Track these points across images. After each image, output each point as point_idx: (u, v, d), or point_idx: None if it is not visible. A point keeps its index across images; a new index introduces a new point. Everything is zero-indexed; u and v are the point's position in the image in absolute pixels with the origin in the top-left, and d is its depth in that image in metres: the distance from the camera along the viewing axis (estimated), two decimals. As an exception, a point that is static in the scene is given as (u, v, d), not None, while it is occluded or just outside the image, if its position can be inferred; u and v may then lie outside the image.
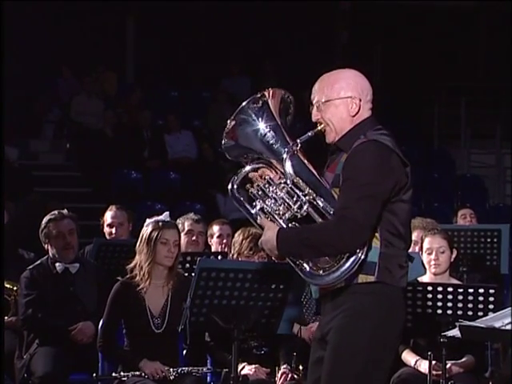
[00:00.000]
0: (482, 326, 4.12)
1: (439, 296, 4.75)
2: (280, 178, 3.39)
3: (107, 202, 7.11)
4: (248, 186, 3.44)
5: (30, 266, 5.31)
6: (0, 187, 5.78)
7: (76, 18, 12.01)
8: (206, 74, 12.58)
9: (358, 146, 3.30)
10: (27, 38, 11.58)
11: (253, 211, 3.38)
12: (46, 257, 5.35)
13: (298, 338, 5.23)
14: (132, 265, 4.80)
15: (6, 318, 5.55)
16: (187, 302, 4.42)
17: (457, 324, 4.34)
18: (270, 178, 3.40)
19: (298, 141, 3.37)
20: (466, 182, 12.13)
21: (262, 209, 3.37)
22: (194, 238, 5.88)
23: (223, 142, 3.45)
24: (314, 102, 3.43)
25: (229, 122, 3.44)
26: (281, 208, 3.35)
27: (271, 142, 3.39)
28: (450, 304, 4.73)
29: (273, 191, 3.37)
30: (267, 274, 4.37)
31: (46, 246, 5.34)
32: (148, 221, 4.84)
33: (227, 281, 4.38)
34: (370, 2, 13.22)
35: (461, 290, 4.74)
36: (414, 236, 5.65)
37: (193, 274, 4.60)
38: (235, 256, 5.09)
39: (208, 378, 5.10)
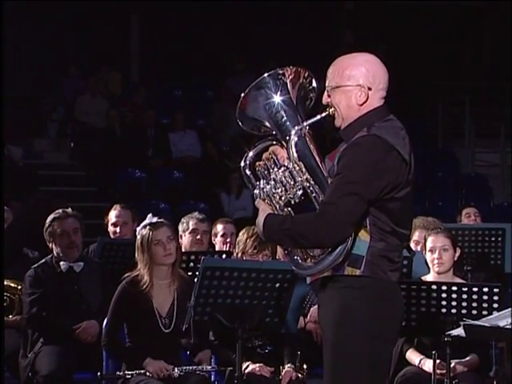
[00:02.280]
0: (486, 324, 4.12)
1: (443, 295, 4.75)
2: (285, 157, 3.37)
3: (111, 201, 7.12)
4: (257, 163, 3.43)
5: (35, 265, 5.31)
6: (0, 187, 5.79)
7: (81, 18, 12.02)
8: (210, 74, 12.58)
9: (356, 139, 3.28)
10: (32, 37, 11.60)
11: (255, 191, 3.39)
12: (50, 255, 5.35)
13: (304, 331, 5.24)
14: (135, 273, 4.81)
15: (10, 316, 5.56)
16: (191, 301, 4.42)
17: (461, 323, 4.34)
18: (277, 159, 3.39)
19: (305, 123, 3.35)
20: (470, 180, 12.12)
21: (263, 189, 3.38)
22: (198, 236, 5.88)
23: (236, 111, 3.42)
24: (326, 84, 3.40)
25: (245, 92, 3.40)
26: (279, 191, 3.35)
27: (281, 120, 3.37)
28: (454, 303, 4.73)
29: (275, 173, 3.37)
30: (271, 273, 4.38)
31: (50, 244, 5.34)
32: (137, 230, 4.90)
33: (231, 280, 4.38)
34: (374, 1, 13.22)
35: (465, 289, 4.74)
36: (416, 236, 5.65)
37: (197, 273, 4.61)
38: (239, 255, 5.09)
39: (212, 376, 5.10)
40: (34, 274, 5.25)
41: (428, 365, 4.93)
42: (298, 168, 3.33)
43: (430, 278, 5.16)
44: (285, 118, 3.37)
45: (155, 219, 4.87)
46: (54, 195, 9.06)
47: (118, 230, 6.14)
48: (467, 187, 11.77)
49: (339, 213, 3.19)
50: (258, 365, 4.95)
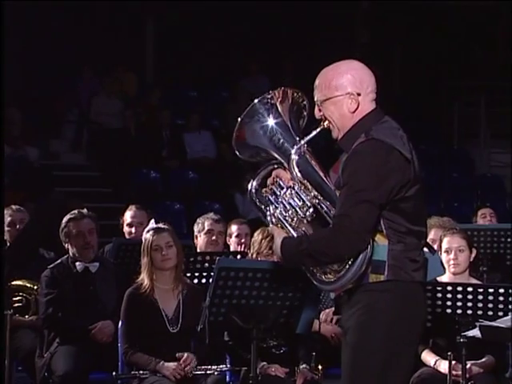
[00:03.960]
0: (502, 325, 4.10)
1: (459, 296, 4.73)
2: (290, 179, 3.37)
3: (127, 202, 7.14)
4: (264, 189, 3.43)
5: (51, 265, 5.34)
6: (0, 187, 5.81)
7: (96, 19, 12.05)
8: (225, 74, 12.59)
9: (356, 146, 3.26)
10: (47, 38, 11.63)
11: (268, 218, 3.38)
12: (66, 256, 5.37)
13: (318, 334, 5.23)
14: (140, 277, 4.89)
15: (26, 316, 5.58)
16: (206, 302, 4.43)
17: (477, 324, 4.33)
18: (281, 181, 3.38)
19: (303, 141, 3.34)
20: (486, 181, 12.07)
21: (273, 214, 3.36)
22: (213, 237, 5.89)
23: (233, 141, 3.46)
24: (315, 99, 3.39)
25: (239, 120, 3.44)
26: (289, 213, 3.34)
27: (279, 142, 3.37)
28: (469, 304, 4.71)
29: (283, 196, 3.36)
30: (286, 274, 4.37)
31: (66, 245, 5.37)
32: (143, 234, 4.99)
33: (246, 280, 4.38)
34: (390, 1, 13.18)
35: (481, 290, 4.72)
36: (431, 235, 5.63)
37: (212, 274, 4.62)
38: (254, 255, 5.09)
39: (227, 377, 5.11)
40: (50, 274, 5.27)
41: (443, 366, 4.92)
42: (303, 187, 3.32)
43: (445, 278, 5.14)
44: (282, 139, 3.36)
45: (158, 225, 4.94)
46: (70, 196, 9.10)
47: (133, 230, 6.16)
48: (482, 188, 11.73)
49: (354, 223, 3.18)
50: (272, 365, 4.95)
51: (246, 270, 4.40)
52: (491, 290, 4.70)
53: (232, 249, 5.99)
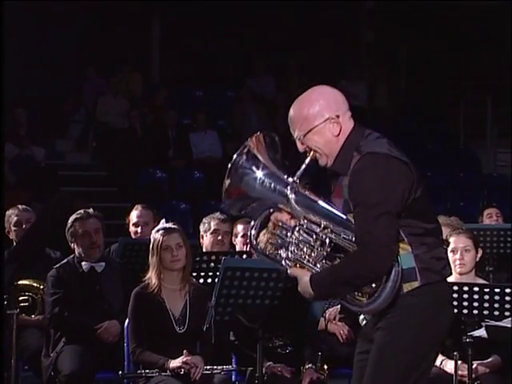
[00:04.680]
0: (508, 325, 4.10)
1: (465, 296, 4.72)
2: (292, 219, 3.33)
3: (132, 202, 7.15)
4: (267, 237, 3.38)
5: (57, 265, 5.34)
6: (0, 187, 5.83)
7: (102, 19, 12.07)
8: (231, 74, 12.60)
9: (355, 166, 3.24)
10: (53, 39, 11.66)
11: (282, 263, 3.31)
12: (72, 256, 5.38)
13: (324, 333, 5.23)
14: (147, 276, 4.89)
15: (32, 316, 5.59)
16: (212, 301, 4.44)
17: (483, 324, 4.33)
18: (284, 223, 3.34)
19: (294, 178, 3.31)
20: (492, 181, 12.05)
21: (287, 257, 3.31)
22: (219, 237, 5.89)
23: (225, 201, 3.39)
24: (294, 136, 3.34)
25: (226, 180, 3.37)
26: (304, 250, 3.29)
27: (272, 185, 3.32)
28: (475, 304, 4.70)
29: (290, 236, 3.31)
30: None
31: (72, 244, 5.37)
32: (152, 233, 4.98)
33: (252, 280, 4.39)
34: (394, 1, 13.17)
35: (487, 290, 4.72)
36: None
37: (218, 274, 4.63)
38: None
39: (233, 376, 5.11)
40: (56, 274, 5.28)
41: (449, 366, 4.91)
42: (310, 221, 3.28)
43: (451, 278, 5.11)
44: (273, 183, 3.32)
45: (168, 224, 4.93)
46: (76, 196, 9.11)
47: (139, 230, 6.17)
48: (489, 187, 11.71)
49: (378, 238, 3.17)
50: (278, 365, 4.95)
51: (251, 269, 4.41)
52: (497, 290, 4.70)
53: (238, 249, 5.98)
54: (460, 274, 5.12)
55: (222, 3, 12.44)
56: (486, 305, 4.69)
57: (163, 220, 5.04)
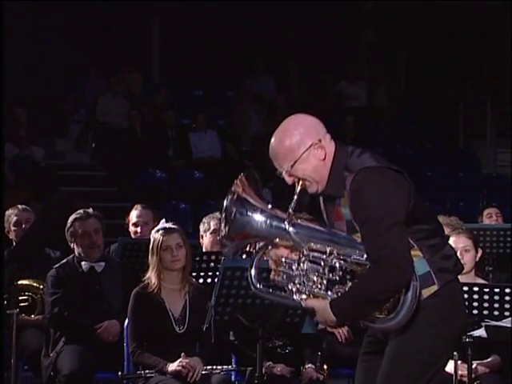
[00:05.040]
0: (508, 325, 4.10)
1: (465, 296, 4.72)
2: (291, 252, 3.30)
3: (132, 201, 7.15)
4: (271, 277, 3.31)
5: (57, 265, 5.35)
6: (0, 187, 5.84)
7: (102, 19, 12.07)
8: (231, 74, 12.60)
9: (352, 185, 3.21)
10: (53, 39, 11.66)
11: (294, 297, 3.26)
12: (71, 255, 5.38)
13: (325, 333, 5.23)
14: (147, 276, 4.89)
15: (32, 316, 5.59)
16: (212, 301, 4.44)
17: (483, 324, 4.32)
18: (286, 258, 3.30)
19: (290, 210, 3.25)
20: (492, 181, 12.05)
21: (298, 291, 3.26)
22: (219, 237, 5.88)
23: (226, 245, 3.34)
24: (280, 171, 3.31)
25: (223, 228, 3.32)
26: (315, 280, 3.24)
27: (269, 223, 3.27)
28: (475, 304, 4.70)
29: (296, 269, 3.26)
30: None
31: (71, 244, 5.37)
32: (152, 233, 4.98)
33: (252, 280, 4.37)
34: (395, 1, 13.17)
35: (487, 290, 4.71)
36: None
37: (217, 273, 4.63)
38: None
39: (233, 376, 5.11)
40: (55, 273, 5.28)
41: (449, 366, 4.90)
42: (314, 248, 3.25)
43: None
44: (269, 220, 3.28)
45: (168, 225, 4.93)
46: (76, 195, 9.11)
47: (138, 230, 6.17)
48: (488, 187, 11.71)
49: (395, 250, 3.16)
50: (278, 365, 4.95)
51: (251, 269, 4.40)
52: (497, 290, 4.70)
53: (238, 248, 5.98)
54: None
55: (222, 3, 12.44)
56: (486, 305, 4.69)
57: (163, 220, 5.04)
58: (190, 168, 11.01)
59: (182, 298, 4.89)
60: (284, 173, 3.31)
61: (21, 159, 10.31)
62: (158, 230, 4.94)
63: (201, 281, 5.18)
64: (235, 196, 3.32)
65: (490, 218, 7.28)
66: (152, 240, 4.94)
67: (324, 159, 3.29)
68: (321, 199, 3.37)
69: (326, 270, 3.24)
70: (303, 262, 3.26)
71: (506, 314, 4.61)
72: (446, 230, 5.46)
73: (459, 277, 5.08)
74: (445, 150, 12.53)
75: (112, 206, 9.54)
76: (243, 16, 12.68)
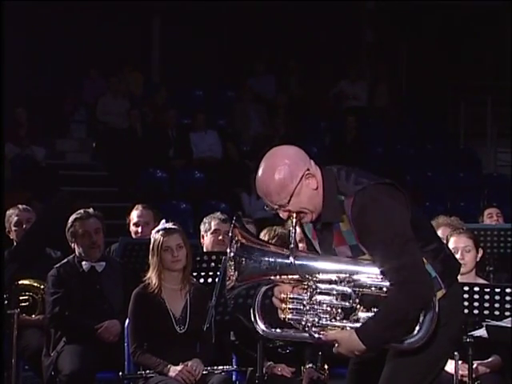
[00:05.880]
0: (508, 325, 4.10)
1: (465, 296, 4.72)
2: (295, 288, 3.23)
3: (133, 201, 7.15)
4: (281, 316, 3.24)
5: (57, 265, 5.35)
6: (0, 187, 5.84)
7: (102, 19, 12.07)
8: (231, 74, 12.60)
9: (353, 209, 3.17)
10: (53, 39, 11.66)
11: (310, 333, 3.20)
12: (72, 255, 5.39)
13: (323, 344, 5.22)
14: (147, 276, 4.89)
15: (33, 316, 5.60)
16: (212, 301, 4.44)
17: (483, 324, 4.32)
18: (294, 294, 3.23)
19: (292, 246, 3.21)
20: (492, 181, 12.05)
21: (314, 325, 3.19)
22: (220, 237, 5.89)
23: (235, 291, 3.28)
24: (275, 207, 3.25)
25: (233, 273, 3.23)
26: (330, 312, 3.19)
27: (273, 262, 3.23)
28: (476, 304, 4.70)
29: (308, 305, 3.21)
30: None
31: (72, 244, 5.38)
32: (152, 233, 4.97)
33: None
34: (395, 1, 13.17)
35: (487, 290, 4.72)
36: (439, 233, 5.61)
37: (218, 273, 4.62)
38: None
39: (233, 376, 5.11)
40: (56, 273, 5.28)
41: (450, 366, 4.90)
42: (322, 282, 3.21)
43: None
44: (273, 259, 3.24)
45: (169, 225, 4.93)
46: (76, 195, 9.11)
47: (139, 229, 6.17)
48: (489, 187, 11.70)
49: (415, 268, 3.14)
50: (279, 365, 4.95)
51: (252, 269, 4.39)
52: (498, 290, 4.70)
53: (238, 248, 5.98)
54: (460, 274, 5.08)
55: (222, 3, 12.44)
56: (487, 305, 4.69)
57: (163, 220, 5.04)
58: (190, 168, 11.00)
59: (182, 298, 4.90)
60: (279, 209, 3.24)
61: (21, 159, 10.32)
62: (158, 231, 4.94)
63: (201, 281, 5.18)
64: (239, 244, 3.25)
65: (491, 218, 7.28)
66: (152, 240, 4.94)
67: (316, 188, 3.24)
68: (307, 228, 3.31)
69: (340, 299, 3.19)
70: (313, 294, 3.20)
71: (507, 314, 4.61)
72: (447, 231, 5.49)
73: (460, 277, 5.13)
74: (445, 149, 12.52)
75: (112, 205, 9.54)
76: (243, 16, 12.68)
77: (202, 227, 5.93)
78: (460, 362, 4.79)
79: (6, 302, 5.24)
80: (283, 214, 3.27)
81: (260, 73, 12.63)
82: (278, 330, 3.26)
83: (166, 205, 9.94)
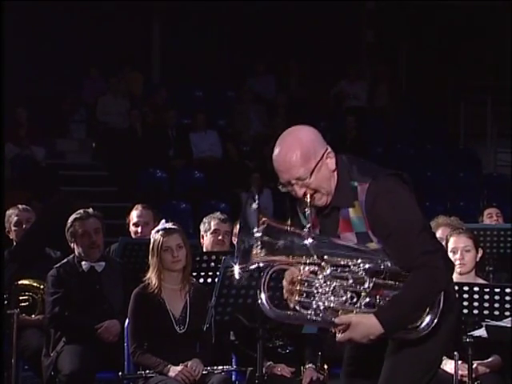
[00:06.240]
0: (508, 325, 4.10)
1: (465, 296, 4.72)
2: (304, 271, 3.18)
3: (133, 201, 7.15)
4: (290, 299, 3.19)
5: (57, 265, 5.34)
6: (0, 187, 5.84)
7: (102, 19, 12.07)
8: (231, 74, 12.60)
9: (367, 197, 3.16)
10: (54, 39, 11.66)
11: (325, 317, 3.15)
12: (72, 255, 5.38)
13: (325, 330, 5.23)
14: (147, 276, 4.89)
15: (33, 316, 5.60)
16: (212, 301, 4.44)
17: (483, 324, 4.32)
18: (306, 277, 3.17)
19: (308, 225, 3.17)
20: (492, 181, 12.05)
21: (326, 308, 3.15)
22: (220, 237, 5.89)
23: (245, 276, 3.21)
24: (292, 182, 3.19)
25: (259, 251, 3.16)
26: (342, 294, 3.16)
27: (289, 242, 3.17)
28: (476, 304, 4.70)
29: (321, 286, 3.15)
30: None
31: (72, 244, 5.38)
32: (152, 234, 4.96)
33: (252, 280, 4.38)
34: (395, 1, 13.17)
35: (487, 290, 4.71)
36: (439, 234, 5.62)
37: (218, 273, 4.62)
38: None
39: (233, 376, 5.11)
40: (56, 273, 5.28)
41: (450, 366, 4.91)
42: (336, 265, 3.17)
43: (451, 278, 5.13)
44: (289, 238, 3.18)
45: (168, 225, 4.92)
46: (76, 195, 9.11)
47: (139, 229, 6.17)
48: (489, 187, 11.71)
49: (431, 254, 3.16)
50: (278, 365, 4.96)
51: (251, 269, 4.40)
52: (497, 290, 4.70)
53: (238, 248, 5.98)
54: (460, 273, 5.12)
55: (221, 3, 12.44)
56: (486, 305, 4.69)
57: (163, 220, 5.04)
58: (190, 168, 11.01)
59: (182, 298, 4.90)
60: (297, 184, 3.19)
61: (21, 159, 10.32)
62: (158, 231, 4.94)
63: (201, 281, 5.18)
64: (266, 225, 3.20)
65: (491, 218, 7.28)
66: (152, 241, 4.93)
67: (333, 171, 3.22)
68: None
69: (353, 283, 3.18)
70: (327, 278, 3.17)
71: (507, 313, 4.61)
72: (447, 231, 5.49)
73: (460, 277, 5.14)
74: (445, 149, 12.53)
75: (112, 205, 9.55)
76: (243, 16, 12.68)
77: (202, 227, 5.93)
78: (460, 361, 4.79)
79: (5, 302, 5.24)
80: (299, 191, 3.20)
81: (260, 73, 12.63)
82: (289, 312, 3.19)
83: (165, 205, 9.95)
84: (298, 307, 3.18)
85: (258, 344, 4.38)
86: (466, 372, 4.78)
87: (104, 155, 11.38)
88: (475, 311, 4.71)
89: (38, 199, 8.74)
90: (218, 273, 4.75)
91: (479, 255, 5.20)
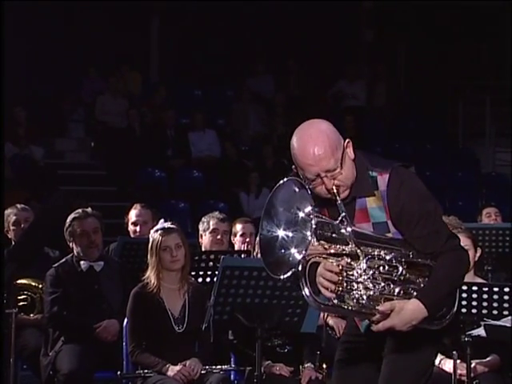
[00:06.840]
0: (507, 325, 4.10)
1: (464, 295, 4.72)
2: (337, 262, 3.12)
3: (131, 201, 7.15)
4: (329, 291, 3.13)
5: (55, 264, 5.35)
6: (0, 186, 5.84)
7: (101, 19, 12.07)
8: (230, 73, 12.60)
9: (390, 185, 3.16)
10: (52, 38, 11.66)
11: (368, 305, 3.12)
12: (70, 255, 5.38)
13: (325, 328, 5.23)
14: (146, 276, 4.89)
15: (31, 315, 5.60)
16: (211, 301, 4.44)
17: (482, 323, 4.33)
18: (344, 267, 3.13)
19: (344, 213, 3.12)
20: (491, 180, 12.06)
21: (369, 297, 3.14)
22: (218, 236, 5.89)
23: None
24: (322, 174, 3.12)
25: (314, 242, 3.08)
26: (381, 282, 3.15)
27: (332, 231, 3.11)
28: (474, 303, 4.71)
29: (360, 275, 3.14)
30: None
31: (70, 244, 5.37)
32: (151, 233, 4.97)
33: (250, 279, 4.39)
34: (394, 1, 13.17)
35: (486, 289, 4.72)
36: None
37: (216, 273, 4.63)
38: (259, 255, 5.09)
39: (232, 376, 5.11)
40: (54, 273, 5.28)
41: (448, 365, 4.92)
42: (370, 254, 3.16)
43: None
44: (322, 223, 3.09)
45: (167, 224, 4.92)
46: (75, 195, 9.11)
47: (138, 229, 6.18)
48: (488, 187, 11.71)
49: (455, 237, 3.28)
50: (277, 364, 4.96)
51: (250, 268, 4.41)
52: (496, 289, 4.70)
53: (237, 248, 5.99)
54: (459, 273, 5.11)
55: (221, 3, 12.44)
56: (485, 304, 4.69)
57: (162, 220, 5.04)
58: (188, 167, 11.01)
59: (181, 297, 4.90)
60: (327, 176, 3.13)
61: (20, 158, 10.32)
62: (156, 230, 4.94)
63: (200, 280, 5.19)
64: (318, 219, 3.11)
65: (489, 217, 7.29)
66: (151, 240, 4.93)
67: (353, 160, 3.21)
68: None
69: (388, 271, 3.17)
70: (366, 267, 3.14)
71: (505, 313, 4.61)
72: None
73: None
74: (444, 149, 12.53)
75: (111, 205, 9.55)
76: (242, 16, 12.68)
77: (201, 227, 5.93)
78: (458, 361, 4.79)
79: (4, 301, 5.24)
80: (329, 183, 3.13)
81: (259, 72, 12.63)
82: (336, 301, 3.15)
83: (164, 204, 9.94)
84: (338, 299, 3.16)
85: (256, 343, 4.38)
86: (465, 371, 4.78)
87: (103, 154, 11.38)
88: (474, 310, 4.71)
89: (36, 199, 8.75)
90: (216, 272, 4.75)
91: (478, 254, 5.20)
